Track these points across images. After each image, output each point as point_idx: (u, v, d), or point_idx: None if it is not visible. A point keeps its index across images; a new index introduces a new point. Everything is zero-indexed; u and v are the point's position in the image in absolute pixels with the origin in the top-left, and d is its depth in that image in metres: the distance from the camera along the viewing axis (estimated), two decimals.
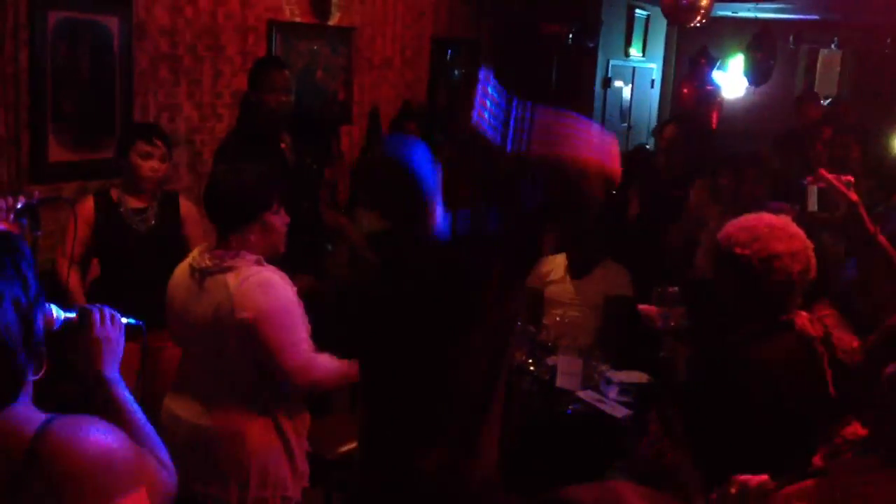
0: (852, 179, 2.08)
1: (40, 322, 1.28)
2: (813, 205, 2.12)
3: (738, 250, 2.03)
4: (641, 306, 3.06)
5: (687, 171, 4.54)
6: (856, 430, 1.74)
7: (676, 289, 3.23)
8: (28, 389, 1.25)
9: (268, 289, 2.35)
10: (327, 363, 2.46)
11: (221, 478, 2.38)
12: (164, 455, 1.45)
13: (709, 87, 8.08)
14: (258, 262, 2.39)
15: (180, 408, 2.48)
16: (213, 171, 3.29)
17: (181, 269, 2.52)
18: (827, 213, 2.17)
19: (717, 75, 8.32)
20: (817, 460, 1.71)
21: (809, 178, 2.14)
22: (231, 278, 2.35)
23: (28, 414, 1.22)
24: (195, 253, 2.49)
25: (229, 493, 2.38)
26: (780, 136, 5.91)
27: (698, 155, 4.64)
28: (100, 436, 1.21)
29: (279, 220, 2.47)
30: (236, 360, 2.38)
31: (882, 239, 2.01)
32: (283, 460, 2.43)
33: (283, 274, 2.44)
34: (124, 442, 1.25)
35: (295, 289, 2.44)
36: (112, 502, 1.17)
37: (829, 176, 2.07)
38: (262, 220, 2.42)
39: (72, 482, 1.14)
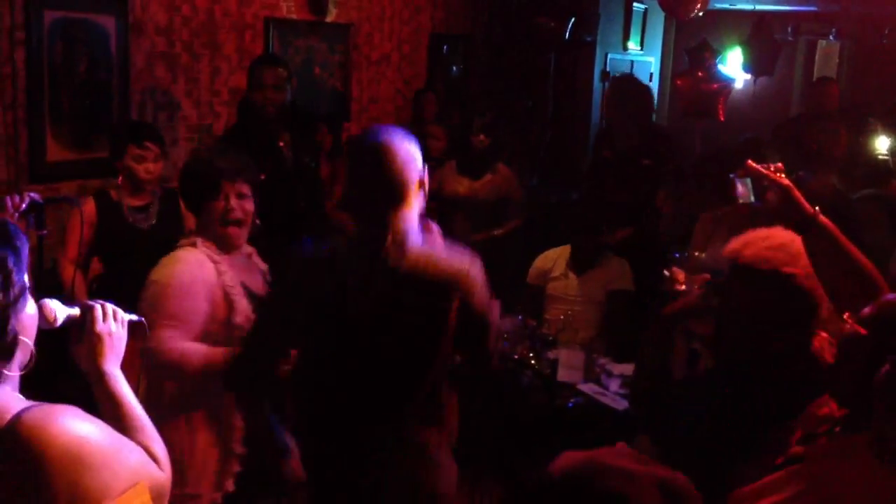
0: (781, 166, 2.05)
1: (16, 319, 1.28)
2: (748, 196, 2.09)
3: (786, 270, 1.99)
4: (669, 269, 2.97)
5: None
6: (832, 410, 1.67)
7: (703, 255, 3.14)
8: (11, 380, 1.29)
9: None
10: (189, 348, 2.36)
11: None
12: (161, 451, 1.45)
13: (718, 80, 8.00)
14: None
15: None
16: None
17: None
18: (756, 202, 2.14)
19: (722, 68, 8.26)
20: (796, 448, 1.66)
21: (740, 171, 2.11)
22: None
23: (7, 401, 1.26)
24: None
25: None
26: (780, 125, 5.88)
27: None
28: (73, 424, 1.24)
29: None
30: None
31: (823, 219, 1.98)
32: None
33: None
34: (102, 433, 1.28)
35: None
36: (79, 487, 1.21)
37: (758, 167, 2.04)
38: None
39: (42, 466, 1.18)
